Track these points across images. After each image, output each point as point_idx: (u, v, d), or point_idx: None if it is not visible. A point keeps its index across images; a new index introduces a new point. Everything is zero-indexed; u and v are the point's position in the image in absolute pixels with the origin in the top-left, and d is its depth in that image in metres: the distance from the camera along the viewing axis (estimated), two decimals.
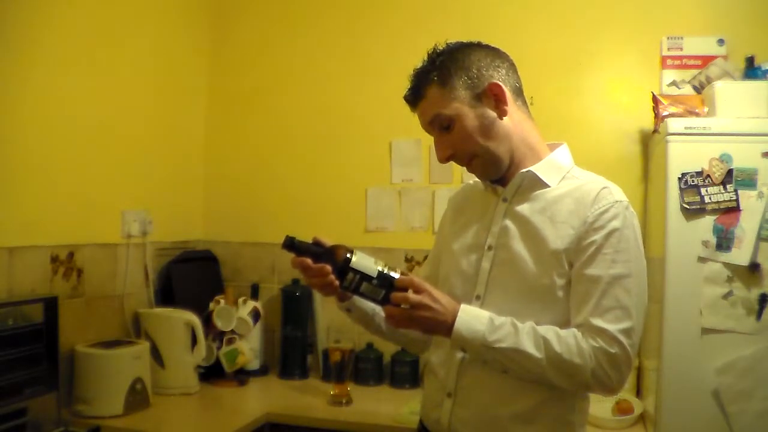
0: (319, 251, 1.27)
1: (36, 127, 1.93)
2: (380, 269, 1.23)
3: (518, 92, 1.35)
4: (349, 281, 1.23)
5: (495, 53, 1.34)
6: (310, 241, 1.29)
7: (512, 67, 1.35)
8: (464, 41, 1.35)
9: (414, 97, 1.33)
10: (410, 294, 1.20)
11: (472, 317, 1.21)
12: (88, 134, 2.13)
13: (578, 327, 1.21)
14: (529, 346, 1.18)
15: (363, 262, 1.23)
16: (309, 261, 1.26)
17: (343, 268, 1.23)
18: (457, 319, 1.20)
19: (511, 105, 1.31)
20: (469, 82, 1.29)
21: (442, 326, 1.22)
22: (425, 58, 1.33)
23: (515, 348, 1.18)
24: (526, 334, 1.19)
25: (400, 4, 2.66)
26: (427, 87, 1.30)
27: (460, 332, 1.20)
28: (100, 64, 2.17)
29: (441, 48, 1.33)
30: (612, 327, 1.18)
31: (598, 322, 1.19)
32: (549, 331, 1.19)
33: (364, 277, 1.22)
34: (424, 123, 1.35)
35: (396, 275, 1.23)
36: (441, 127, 1.31)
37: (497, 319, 1.21)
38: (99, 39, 2.17)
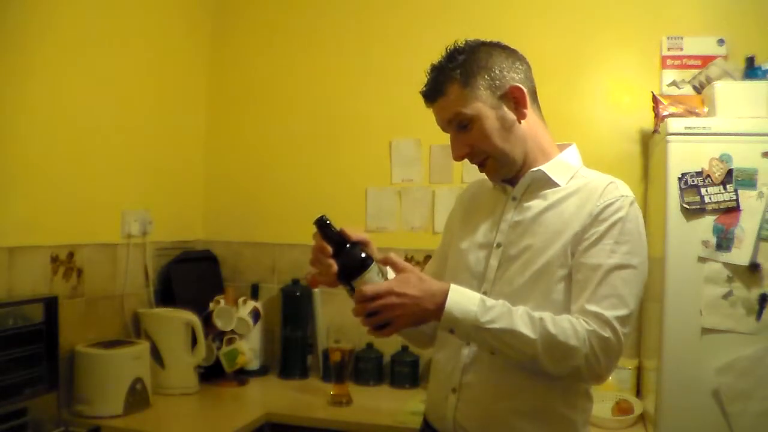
0: (341, 244, 1.23)
1: (36, 127, 1.93)
2: None
3: (534, 95, 1.36)
4: (345, 289, 1.24)
5: (515, 55, 1.34)
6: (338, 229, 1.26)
7: (529, 69, 1.35)
8: (484, 40, 1.34)
9: (433, 93, 1.32)
10: (367, 306, 1.18)
11: (463, 297, 1.19)
12: (87, 134, 2.13)
13: (573, 313, 1.20)
14: (523, 327, 1.16)
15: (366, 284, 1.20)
16: (329, 249, 1.23)
17: (346, 280, 1.23)
18: (448, 299, 1.18)
19: (528, 108, 1.32)
20: (491, 83, 1.29)
21: (425, 314, 1.19)
22: (444, 53, 1.32)
23: (508, 328, 1.16)
24: (520, 316, 1.18)
25: (400, 4, 2.66)
26: (448, 84, 1.29)
27: (451, 312, 1.18)
28: (100, 64, 2.17)
29: (461, 45, 1.32)
30: (607, 312, 1.18)
31: (594, 307, 1.18)
32: (544, 314, 1.19)
33: None
34: (441, 120, 1.34)
35: None
36: (459, 125, 1.31)
37: (488, 300, 1.20)
38: (99, 39, 2.16)
